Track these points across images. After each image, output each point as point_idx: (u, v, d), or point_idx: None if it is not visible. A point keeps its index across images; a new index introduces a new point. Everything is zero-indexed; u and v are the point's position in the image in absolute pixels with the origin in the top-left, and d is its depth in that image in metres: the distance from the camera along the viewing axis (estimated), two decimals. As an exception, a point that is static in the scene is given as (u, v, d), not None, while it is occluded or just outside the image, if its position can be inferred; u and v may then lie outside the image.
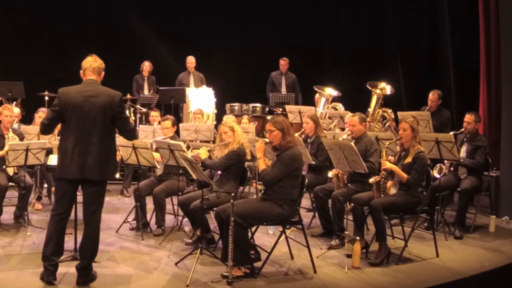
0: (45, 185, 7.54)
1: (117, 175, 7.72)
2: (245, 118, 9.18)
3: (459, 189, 6.47)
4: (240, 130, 5.78)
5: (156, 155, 6.16)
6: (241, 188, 5.95)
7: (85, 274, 4.48)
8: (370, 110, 8.29)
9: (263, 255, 5.02)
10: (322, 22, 11.75)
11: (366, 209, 5.54)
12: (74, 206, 4.67)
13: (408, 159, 5.42)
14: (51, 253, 4.40)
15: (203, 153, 5.72)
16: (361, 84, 9.04)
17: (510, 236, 6.36)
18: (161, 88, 10.00)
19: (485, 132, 8.14)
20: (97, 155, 4.34)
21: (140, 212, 6.16)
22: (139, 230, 6.12)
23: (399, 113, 7.73)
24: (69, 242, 4.96)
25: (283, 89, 10.57)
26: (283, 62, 10.61)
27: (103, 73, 4.59)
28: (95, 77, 4.49)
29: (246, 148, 5.68)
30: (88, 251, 4.47)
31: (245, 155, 5.66)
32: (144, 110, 9.74)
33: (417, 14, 10.46)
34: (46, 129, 4.53)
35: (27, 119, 8.53)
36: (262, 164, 4.96)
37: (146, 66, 10.38)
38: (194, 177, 5.47)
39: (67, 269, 4.68)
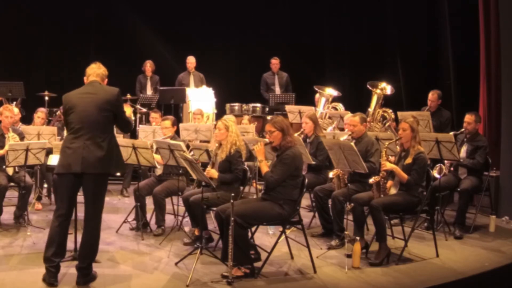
0: (45, 185, 7.54)
1: (118, 173, 7.69)
2: (245, 119, 9.18)
3: (459, 189, 6.47)
4: (235, 131, 5.72)
5: (157, 157, 6.16)
6: (241, 188, 5.95)
7: (85, 274, 4.47)
8: (370, 110, 8.29)
9: (263, 255, 5.02)
10: (322, 22, 11.75)
11: (366, 209, 5.55)
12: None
13: (409, 160, 5.42)
14: (52, 254, 4.41)
15: (213, 173, 5.63)
16: (361, 84, 9.04)
17: (510, 236, 6.36)
18: (160, 88, 10.00)
19: (485, 132, 8.14)
20: (101, 149, 4.38)
21: (140, 212, 6.16)
22: (139, 230, 6.12)
23: (399, 113, 7.74)
24: (69, 242, 4.95)
25: (277, 89, 10.57)
26: (275, 62, 10.61)
27: (106, 80, 4.68)
28: (98, 79, 4.60)
29: (242, 150, 5.67)
30: (87, 251, 4.47)
31: (241, 156, 5.66)
32: (144, 110, 9.75)
33: (417, 14, 10.47)
34: None
35: (27, 119, 8.53)
36: (265, 166, 4.95)
37: (148, 65, 10.39)
38: (194, 177, 5.47)
39: (67, 269, 4.68)
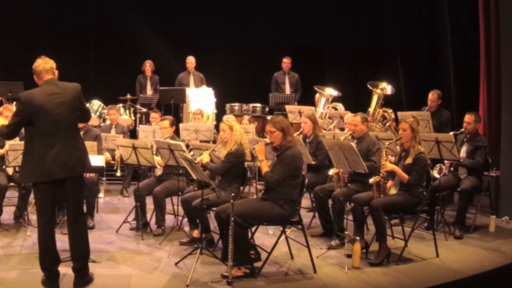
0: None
1: (118, 173, 7.71)
2: (245, 119, 9.17)
3: (459, 189, 6.47)
4: (239, 130, 5.74)
5: (157, 159, 6.16)
6: (241, 188, 5.95)
7: (83, 275, 4.47)
8: (371, 110, 8.29)
9: (263, 255, 5.02)
10: (322, 22, 11.75)
11: (366, 209, 5.55)
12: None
13: (409, 160, 5.42)
14: (50, 263, 4.36)
15: (205, 157, 5.75)
16: (361, 84, 9.04)
17: (510, 236, 6.36)
18: (160, 88, 10.00)
19: (485, 132, 8.14)
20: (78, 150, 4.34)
21: (140, 212, 6.16)
22: (139, 230, 6.12)
23: (399, 113, 7.74)
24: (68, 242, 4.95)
25: (287, 88, 10.53)
26: (286, 61, 10.58)
27: (57, 72, 4.45)
28: (51, 76, 4.39)
29: (245, 149, 5.67)
30: (81, 251, 4.46)
31: (244, 156, 5.64)
32: (144, 110, 9.75)
33: (417, 14, 10.47)
34: (9, 136, 4.48)
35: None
36: (265, 166, 4.95)
37: (148, 65, 10.38)
38: (194, 177, 5.46)
39: (67, 270, 4.66)
